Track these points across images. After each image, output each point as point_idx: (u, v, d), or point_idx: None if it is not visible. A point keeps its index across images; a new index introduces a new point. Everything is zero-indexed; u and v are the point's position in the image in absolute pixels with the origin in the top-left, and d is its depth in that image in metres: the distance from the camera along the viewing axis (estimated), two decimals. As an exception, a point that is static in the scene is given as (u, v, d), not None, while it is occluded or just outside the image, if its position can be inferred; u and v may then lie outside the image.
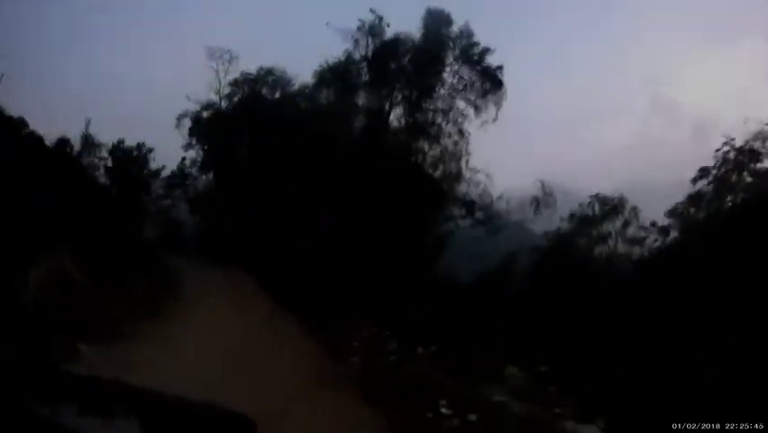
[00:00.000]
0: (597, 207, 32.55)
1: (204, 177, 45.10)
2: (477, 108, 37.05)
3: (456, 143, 37.18)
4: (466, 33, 37.45)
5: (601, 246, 32.28)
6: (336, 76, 37.98)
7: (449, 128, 36.97)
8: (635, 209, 32.36)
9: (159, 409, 2.92)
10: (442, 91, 37.29)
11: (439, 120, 36.92)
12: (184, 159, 44.45)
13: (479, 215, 37.14)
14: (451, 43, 37.51)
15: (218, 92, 42.87)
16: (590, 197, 32.73)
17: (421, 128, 36.49)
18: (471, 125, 37.22)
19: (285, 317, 19.76)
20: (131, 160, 33.23)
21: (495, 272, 33.61)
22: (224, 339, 14.04)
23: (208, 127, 42.36)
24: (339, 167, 33.20)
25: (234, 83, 40.27)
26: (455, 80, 37.48)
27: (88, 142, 32.24)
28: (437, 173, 36.95)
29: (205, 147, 43.55)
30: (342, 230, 30.44)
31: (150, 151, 35.07)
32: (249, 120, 39.71)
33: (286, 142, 36.08)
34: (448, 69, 37.46)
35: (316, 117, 36.70)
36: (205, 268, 31.48)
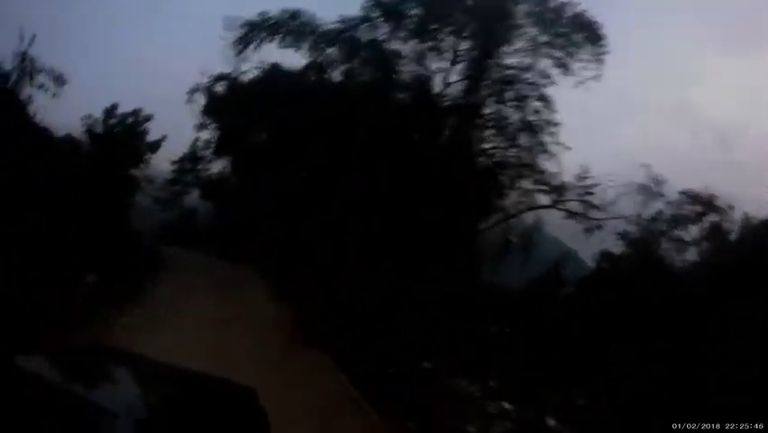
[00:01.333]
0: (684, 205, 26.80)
1: (219, 160, 40.06)
2: (564, 67, 29.31)
3: (538, 111, 29.78)
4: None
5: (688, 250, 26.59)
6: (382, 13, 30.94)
7: (527, 90, 29.49)
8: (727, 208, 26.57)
9: (166, 379, 3.07)
10: (517, 43, 29.83)
11: (514, 80, 29.53)
12: (197, 140, 39.66)
13: (572, 205, 29.79)
14: None
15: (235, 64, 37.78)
16: (680, 193, 26.96)
17: (491, 90, 29.52)
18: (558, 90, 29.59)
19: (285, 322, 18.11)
20: (123, 128, 27.95)
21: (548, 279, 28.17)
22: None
23: (224, 103, 37.24)
24: (377, 147, 27.68)
25: (249, 33, 33.64)
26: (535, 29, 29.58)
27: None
28: (513, 152, 29.79)
29: (221, 126, 38.49)
30: (375, 225, 25.22)
31: (148, 119, 29.82)
32: (270, 93, 34.41)
33: (313, 118, 30.87)
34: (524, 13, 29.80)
35: (352, 82, 30.87)
36: (206, 261, 26.79)
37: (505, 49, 29.44)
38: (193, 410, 2.74)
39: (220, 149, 39.04)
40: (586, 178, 28.63)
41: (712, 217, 26.33)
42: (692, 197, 26.55)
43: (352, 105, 30.12)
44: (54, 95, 22.21)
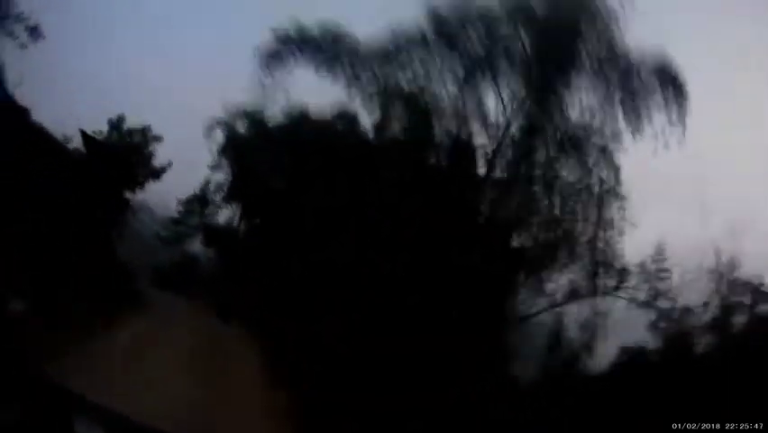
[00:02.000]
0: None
1: (229, 206, 37.23)
2: (638, 130, 25.33)
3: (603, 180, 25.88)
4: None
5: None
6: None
7: (593, 153, 25.64)
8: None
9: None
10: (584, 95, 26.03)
11: (577, 139, 25.73)
12: (209, 181, 37.00)
13: (636, 292, 25.70)
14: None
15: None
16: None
17: (549, 147, 25.65)
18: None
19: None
20: (126, 143, 25.18)
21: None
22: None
23: (242, 146, 34.80)
24: (404, 214, 24.62)
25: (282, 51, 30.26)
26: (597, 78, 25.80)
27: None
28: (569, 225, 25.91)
29: (236, 171, 35.92)
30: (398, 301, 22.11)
31: (157, 140, 27.08)
32: (294, 141, 31.88)
33: (338, 175, 28.17)
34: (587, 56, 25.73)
35: (385, 138, 28.10)
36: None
37: (569, 100, 25.87)
38: None
39: (232, 195, 36.35)
40: (659, 259, 24.96)
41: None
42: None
43: (382, 167, 27.44)
44: (24, 45, 19.61)
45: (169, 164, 29.55)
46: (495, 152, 26.08)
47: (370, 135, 30.33)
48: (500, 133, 26.32)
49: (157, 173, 28.41)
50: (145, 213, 35.00)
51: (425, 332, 22.26)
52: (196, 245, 38.06)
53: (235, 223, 36.42)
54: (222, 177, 36.61)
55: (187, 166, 38.90)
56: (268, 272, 30.42)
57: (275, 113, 35.24)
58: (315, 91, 35.04)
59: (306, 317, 26.04)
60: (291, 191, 32.13)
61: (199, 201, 37.94)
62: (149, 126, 27.42)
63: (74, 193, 16.44)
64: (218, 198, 36.86)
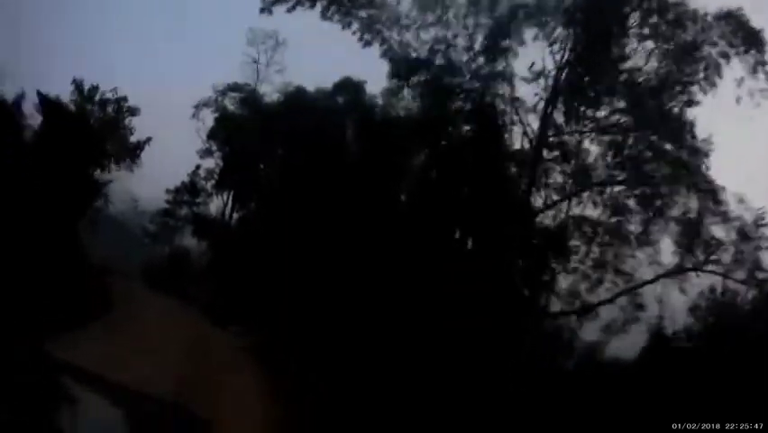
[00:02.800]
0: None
1: (221, 196, 34.15)
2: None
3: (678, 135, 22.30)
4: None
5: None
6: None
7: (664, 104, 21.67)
8: None
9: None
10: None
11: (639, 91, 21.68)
12: (198, 168, 33.95)
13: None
14: None
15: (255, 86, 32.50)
16: None
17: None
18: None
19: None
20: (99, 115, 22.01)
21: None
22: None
23: (235, 127, 31.77)
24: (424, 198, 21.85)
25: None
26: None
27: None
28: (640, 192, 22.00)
29: (228, 155, 32.89)
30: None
31: (133, 112, 23.89)
32: (292, 121, 28.80)
33: (342, 155, 25.31)
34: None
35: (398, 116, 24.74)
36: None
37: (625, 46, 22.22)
38: None
39: (223, 182, 33.31)
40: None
41: None
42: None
43: (394, 146, 24.53)
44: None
45: (148, 140, 26.29)
46: (549, 103, 22.92)
47: (377, 108, 27.31)
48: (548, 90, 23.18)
49: (133, 150, 25.13)
50: (129, 204, 32.06)
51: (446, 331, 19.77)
52: (186, 238, 35.24)
53: (228, 212, 33.42)
54: (212, 163, 33.73)
55: (175, 154, 36.08)
56: (264, 268, 27.53)
57: (269, 91, 32.55)
58: (311, 69, 32.24)
59: (306, 317, 23.49)
60: (287, 176, 29.20)
61: (189, 190, 34.95)
62: (124, 97, 24.24)
63: (29, 171, 13.49)
64: (209, 185, 33.89)
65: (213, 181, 33.87)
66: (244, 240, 30.52)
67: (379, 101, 27.55)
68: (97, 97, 23.50)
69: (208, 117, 32.53)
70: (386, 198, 24.35)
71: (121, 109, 24.02)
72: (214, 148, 33.55)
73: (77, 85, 22.79)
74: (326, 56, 33.48)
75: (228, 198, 33.40)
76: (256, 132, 29.64)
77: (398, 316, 21.22)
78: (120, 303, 16.25)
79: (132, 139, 25.14)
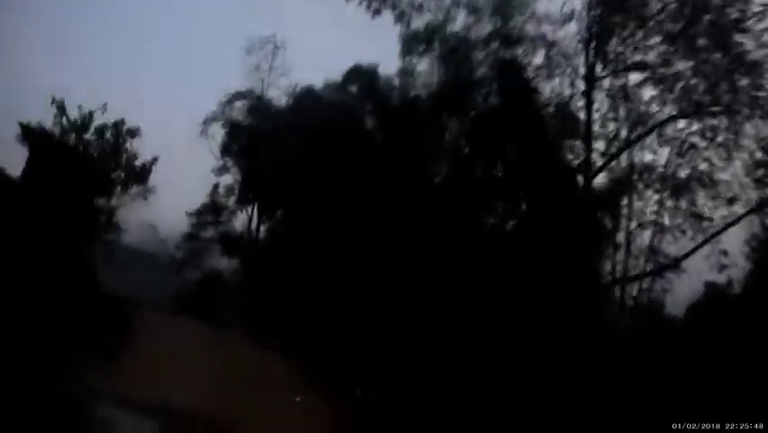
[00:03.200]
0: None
1: (244, 211, 32.76)
2: None
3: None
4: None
5: None
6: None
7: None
8: None
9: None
10: None
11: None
12: (216, 186, 32.65)
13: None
14: None
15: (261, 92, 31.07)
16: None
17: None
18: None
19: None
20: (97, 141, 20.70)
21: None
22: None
23: (247, 137, 30.40)
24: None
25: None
26: None
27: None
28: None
29: (244, 168, 31.54)
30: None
31: (134, 134, 22.64)
32: (306, 122, 27.25)
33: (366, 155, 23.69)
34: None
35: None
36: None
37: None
38: None
39: (245, 196, 31.99)
40: None
41: None
42: None
43: (418, 127, 22.78)
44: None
45: (154, 161, 24.96)
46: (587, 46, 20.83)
47: (395, 90, 25.58)
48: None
49: (141, 174, 23.80)
50: (149, 232, 30.89)
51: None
52: (215, 259, 33.96)
53: (254, 226, 32.06)
54: (230, 179, 32.46)
55: (187, 175, 34.91)
56: (296, 277, 26.00)
57: (277, 96, 31.13)
58: (317, 66, 30.71)
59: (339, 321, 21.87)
60: (309, 180, 27.66)
61: (211, 210, 33.69)
62: (121, 120, 22.94)
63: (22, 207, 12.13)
64: (230, 201, 32.58)
65: (234, 197, 32.63)
66: (274, 252, 29.13)
67: (395, 83, 25.77)
68: (93, 124, 22.14)
69: (217, 133, 31.22)
70: (418, 187, 22.55)
71: (120, 133, 22.68)
72: (230, 164, 32.32)
73: (59, 106, 21.39)
74: (330, 50, 32.00)
75: (252, 212, 32.07)
76: (270, 138, 28.08)
77: (437, 318, 19.44)
78: (140, 333, 15.64)
79: (138, 162, 23.75)
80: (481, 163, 22.56)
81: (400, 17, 23.68)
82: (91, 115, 21.70)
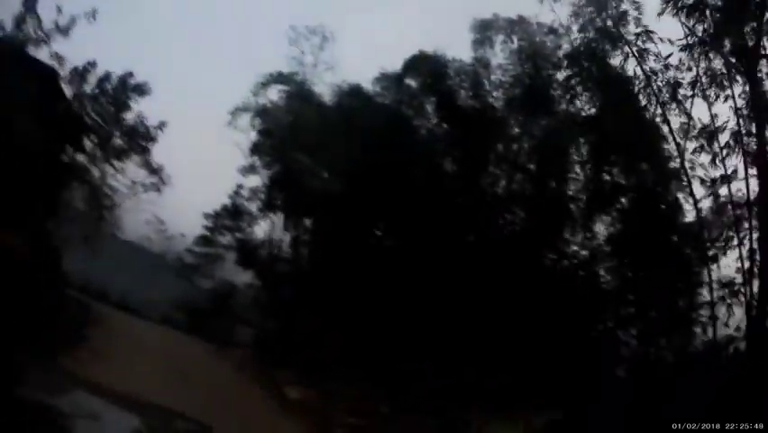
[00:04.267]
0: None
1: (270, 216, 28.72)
2: None
3: None
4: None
5: None
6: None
7: None
8: None
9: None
10: None
11: None
12: (240, 187, 28.82)
13: None
14: None
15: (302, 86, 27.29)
16: None
17: None
18: None
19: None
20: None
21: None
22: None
23: (281, 134, 26.57)
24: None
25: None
26: None
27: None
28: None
29: (275, 169, 27.63)
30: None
31: (143, 91, 19.05)
32: (353, 123, 23.56)
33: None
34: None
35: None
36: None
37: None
38: None
39: (272, 201, 28.00)
40: None
41: None
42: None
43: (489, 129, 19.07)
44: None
45: (161, 125, 21.30)
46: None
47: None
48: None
49: (145, 138, 19.90)
50: (155, 228, 27.33)
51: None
52: (230, 270, 30.00)
53: (278, 236, 28.05)
54: (257, 180, 28.49)
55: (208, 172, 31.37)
56: (326, 300, 22.12)
57: (321, 91, 27.33)
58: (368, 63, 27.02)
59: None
60: (349, 190, 23.77)
61: (230, 213, 29.82)
62: (129, 72, 19.30)
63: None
64: (254, 206, 28.61)
65: (259, 202, 28.69)
66: (301, 269, 25.30)
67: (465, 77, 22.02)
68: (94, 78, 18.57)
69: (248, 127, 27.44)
70: (486, 207, 18.86)
71: (126, 86, 19.05)
72: (258, 164, 28.45)
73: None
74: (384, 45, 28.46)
75: (277, 220, 28.12)
76: (311, 137, 24.26)
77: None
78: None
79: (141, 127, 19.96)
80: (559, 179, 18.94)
81: None
82: (94, 63, 18.19)
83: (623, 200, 18.76)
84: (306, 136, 24.75)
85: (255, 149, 27.98)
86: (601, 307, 18.06)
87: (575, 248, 19.46)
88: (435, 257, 18.90)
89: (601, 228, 19.23)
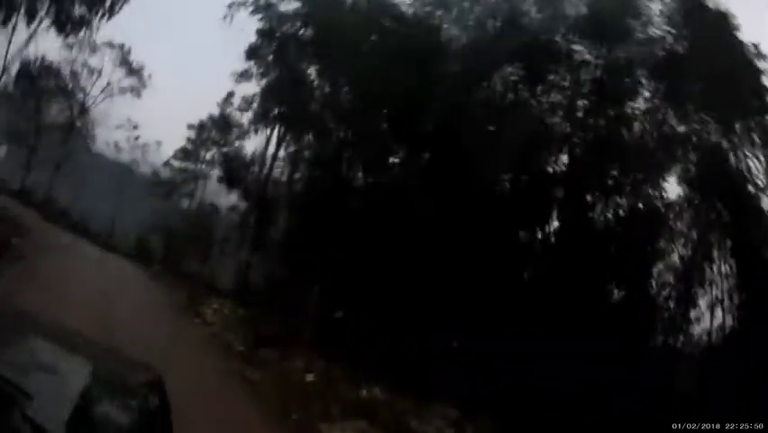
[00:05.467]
0: None
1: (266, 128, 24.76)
2: None
3: None
4: None
5: None
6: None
7: None
8: None
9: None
10: None
11: None
12: (231, 95, 25.08)
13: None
14: None
15: None
16: None
17: None
18: None
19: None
20: None
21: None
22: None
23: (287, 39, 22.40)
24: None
25: None
26: None
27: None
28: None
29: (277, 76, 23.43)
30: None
31: None
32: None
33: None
34: None
35: None
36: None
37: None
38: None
39: (267, 111, 23.94)
40: None
41: None
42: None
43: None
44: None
45: None
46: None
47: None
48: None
49: None
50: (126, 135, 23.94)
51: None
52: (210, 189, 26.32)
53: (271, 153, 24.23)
54: (252, 87, 24.30)
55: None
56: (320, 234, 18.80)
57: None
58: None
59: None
60: (364, 105, 20.11)
61: (218, 124, 25.96)
62: None
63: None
64: (246, 118, 24.63)
65: (251, 112, 24.66)
66: (297, 192, 21.83)
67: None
68: None
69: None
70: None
71: None
72: (255, 69, 24.18)
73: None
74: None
75: (272, 135, 24.18)
76: (327, 39, 20.37)
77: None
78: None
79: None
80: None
81: None
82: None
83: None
84: (318, 38, 20.81)
85: (252, 52, 23.72)
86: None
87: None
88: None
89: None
